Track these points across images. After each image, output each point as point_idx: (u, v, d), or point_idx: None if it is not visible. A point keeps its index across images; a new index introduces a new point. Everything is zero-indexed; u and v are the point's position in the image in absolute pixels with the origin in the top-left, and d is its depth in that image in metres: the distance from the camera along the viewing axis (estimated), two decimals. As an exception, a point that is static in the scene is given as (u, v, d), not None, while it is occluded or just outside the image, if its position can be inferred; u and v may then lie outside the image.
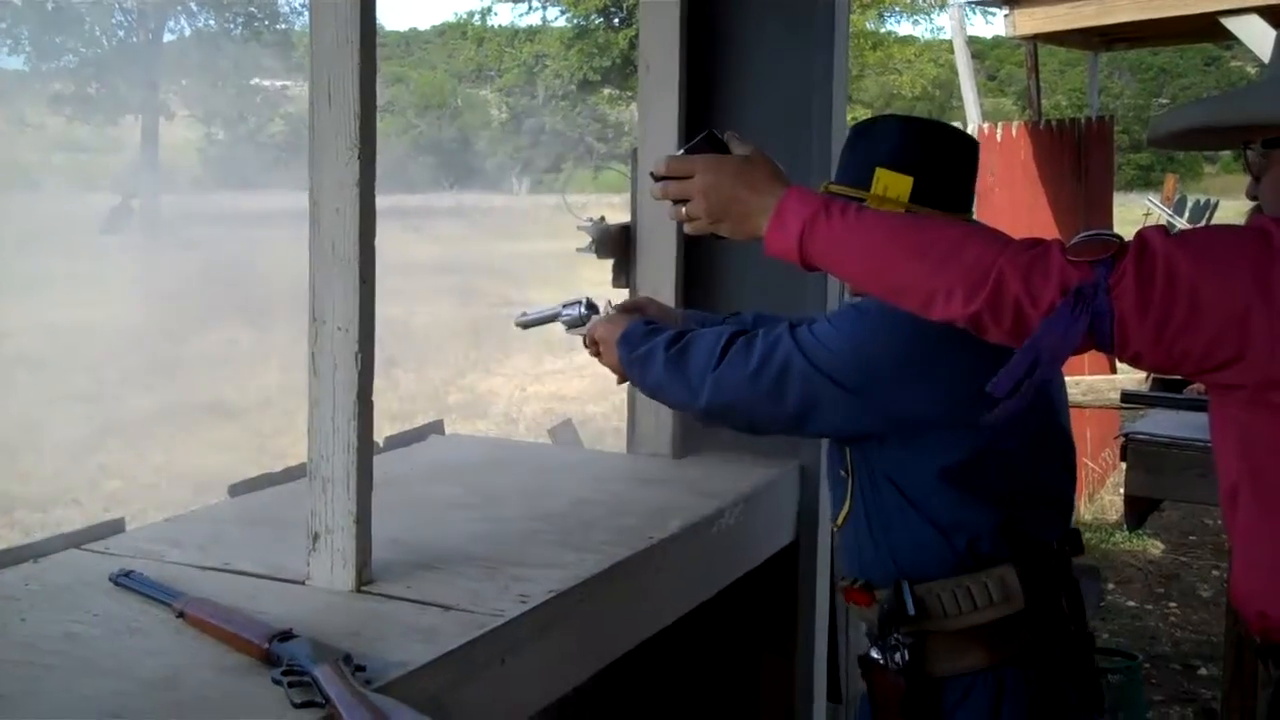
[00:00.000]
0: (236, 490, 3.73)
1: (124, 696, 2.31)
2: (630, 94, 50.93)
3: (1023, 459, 2.56)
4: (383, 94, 57.15)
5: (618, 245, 4.07)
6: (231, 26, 40.15)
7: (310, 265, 2.90)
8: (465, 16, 51.85)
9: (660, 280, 4.05)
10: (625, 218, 4.16)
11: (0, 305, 16.87)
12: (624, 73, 50.47)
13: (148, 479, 10.04)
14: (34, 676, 2.39)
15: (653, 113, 4.09)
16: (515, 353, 16.06)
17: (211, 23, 38.20)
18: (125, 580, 2.80)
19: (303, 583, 2.93)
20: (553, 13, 50.57)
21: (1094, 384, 7.85)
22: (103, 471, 10.37)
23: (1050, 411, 2.66)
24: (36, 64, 36.88)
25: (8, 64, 37.54)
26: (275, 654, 2.33)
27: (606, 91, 51.99)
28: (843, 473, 2.70)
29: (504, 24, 53.12)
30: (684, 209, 2.26)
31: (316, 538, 2.93)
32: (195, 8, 37.83)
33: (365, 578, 2.89)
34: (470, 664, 2.59)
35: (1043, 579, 2.56)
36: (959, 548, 2.53)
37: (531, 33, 50.88)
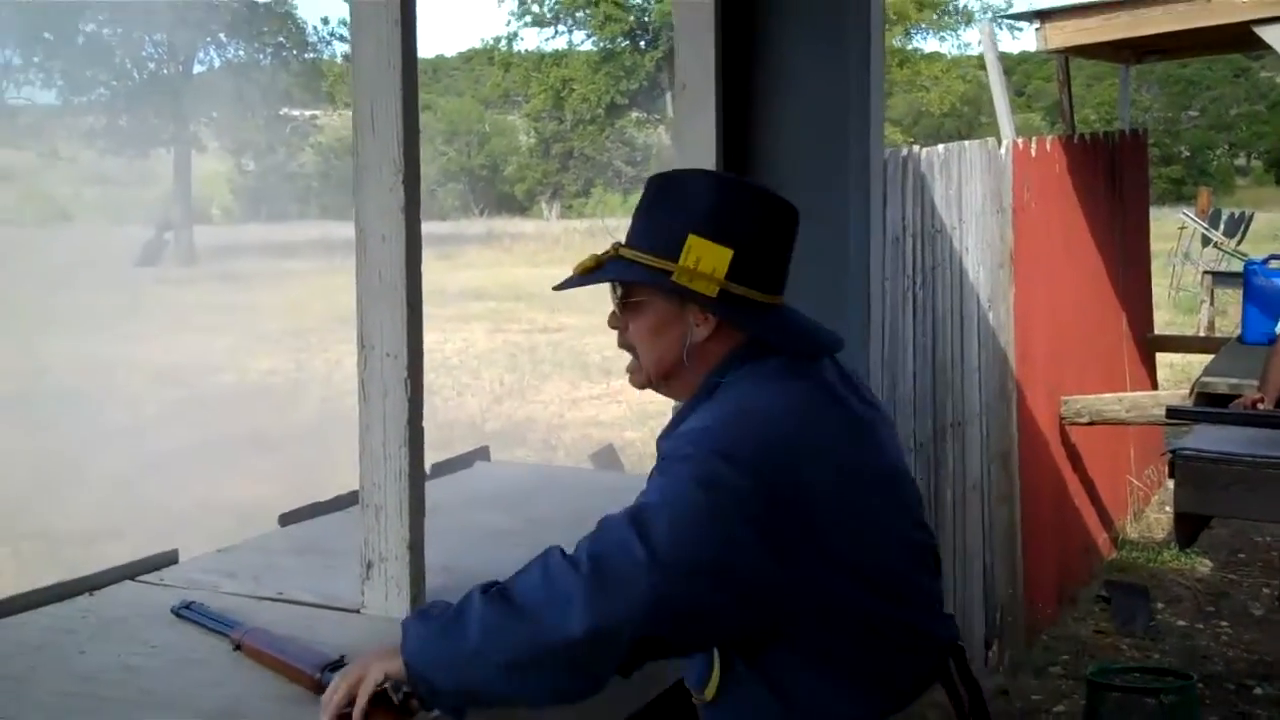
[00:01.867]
0: (287, 520, 3.74)
1: (185, 727, 2.32)
2: (658, 117, 51.04)
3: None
4: (411, 122, 57.19)
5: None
6: (260, 57, 40.44)
7: (358, 292, 2.90)
8: (491, 42, 52.13)
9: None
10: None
11: (38, 340, 17.00)
12: (651, 95, 50.62)
13: (189, 511, 10.05)
14: (94, 709, 2.39)
15: (689, 130, 4.10)
16: (551, 379, 16.08)
17: (241, 54, 38.52)
18: (186, 612, 2.81)
19: (358, 611, 2.93)
20: (579, 36, 50.80)
21: (1137, 400, 7.79)
22: (144, 505, 10.40)
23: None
24: (68, 98, 37.25)
25: (40, 98, 37.97)
26: (326, 684, 2.33)
27: (634, 115, 52.15)
28: None
29: (530, 49, 53.28)
30: None
31: (370, 566, 2.93)
32: (224, 39, 38.14)
33: (419, 605, 2.89)
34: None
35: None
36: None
37: (558, 57, 51.10)
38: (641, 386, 2.28)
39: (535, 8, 49.07)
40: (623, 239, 2.22)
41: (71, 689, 2.48)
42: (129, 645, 2.71)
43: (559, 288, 2.23)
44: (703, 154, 4.02)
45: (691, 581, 1.90)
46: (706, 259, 2.06)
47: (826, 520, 2.00)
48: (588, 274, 2.16)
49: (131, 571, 3.25)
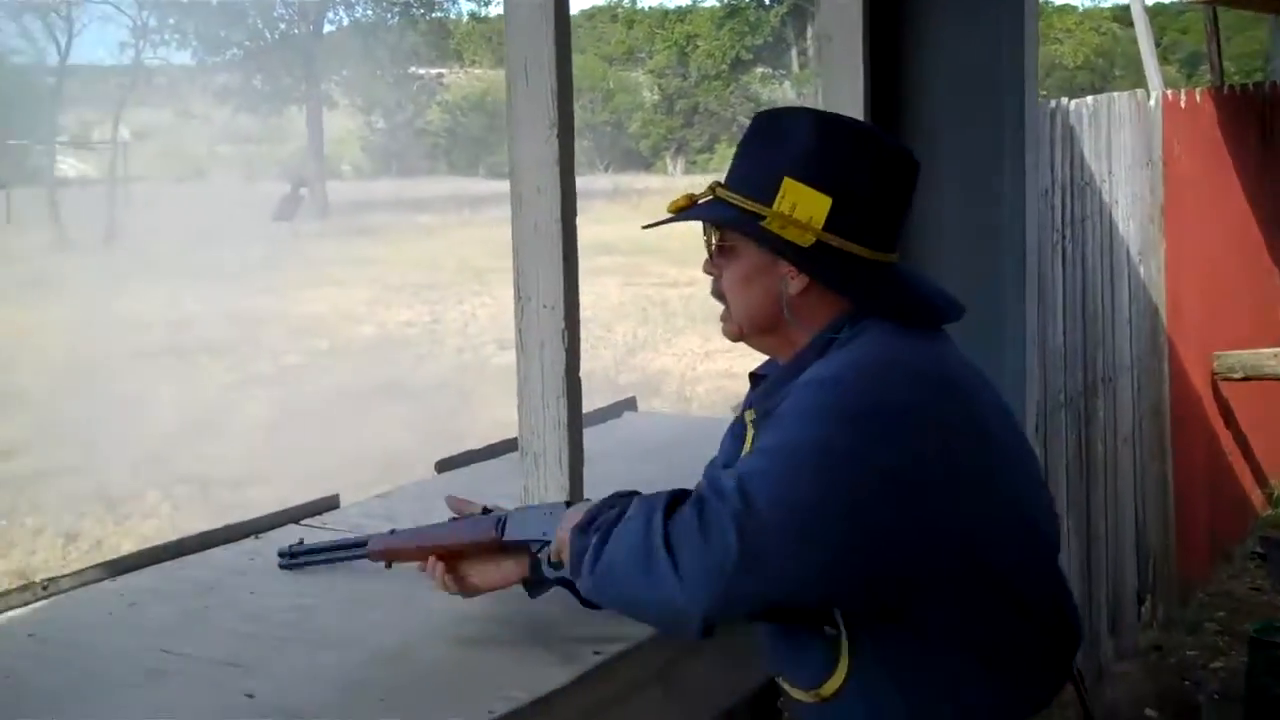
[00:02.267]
0: (443, 466, 3.81)
1: (357, 668, 2.38)
2: (783, 72, 50.60)
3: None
4: (536, 79, 57.40)
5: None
6: (389, 16, 40.82)
7: (514, 244, 2.94)
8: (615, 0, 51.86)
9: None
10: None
11: (184, 292, 17.46)
12: (776, 50, 50.17)
13: (332, 459, 10.27)
14: (269, 647, 2.46)
15: (836, 85, 4.05)
16: (684, 333, 16.11)
17: (369, 13, 38.97)
18: (295, 561, 2.82)
19: (517, 556, 2.98)
20: (705, -9, 50.42)
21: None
22: (289, 452, 10.66)
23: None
24: (203, 58, 38.00)
25: (176, 59, 38.75)
26: (507, 536, 2.31)
27: (759, 70, 51.73)
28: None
29: (654, 6, 53.08)
30: None
31: (531, 511, 2.97)
32: (353, -1, 38.66)
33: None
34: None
35: None
36: None
37: (682, 13, 50.83)
38: (734, 338, 2.06)
39: (659, -37, 48.65)
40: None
41: (247, 629, 2.56)
42: (298, 586, 2.79)
43: (649, 226, 2.10)
44: (850, 107, 3.98)
45: (814, 549, 1.73)
46: (803, 205, 1.85)
47: (970, 489, 1.82)
48: (680, 212, 1.99)
49: (295, 515, 3.34)
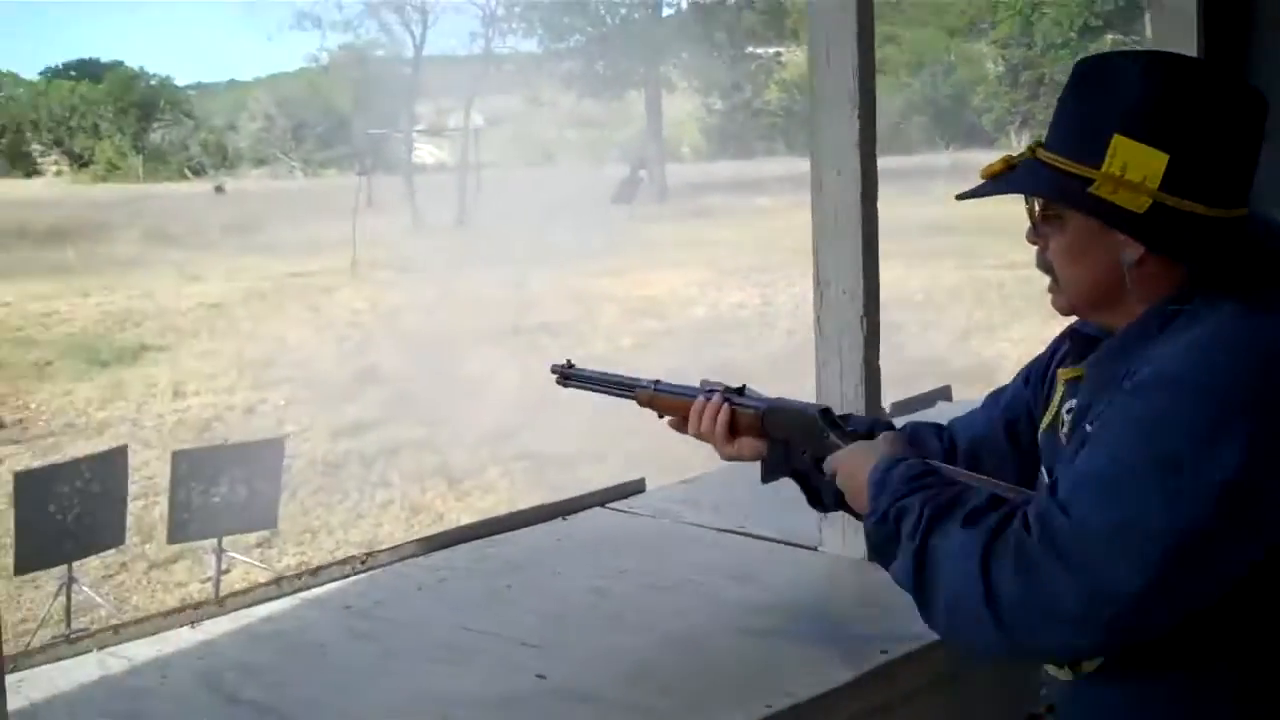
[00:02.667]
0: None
1: (650, 651, 2.42)
2: (1136, 39, 48.37)
3: None
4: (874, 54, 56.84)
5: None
6: (731, -2, 41.22)
7: (813, 228, 2.91)
8: (959, -31, 50.70)
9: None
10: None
11: (527, 274, 18.09)
12: (1128, 15, 47.98)
13: (666, 438, 10.41)
14: (567, 628, 2.53)
15: (1168, 48, 3.84)
16: (1023, 316, 15.65)
17: (709, -5, 39.36)
18: (564, 381, 2.47)
19: (815, 549, 2.96)
20: (1052, -43, 48.69)
21: None
22: (624, 431, 10.90)
23: None
24: (549, 45, 39.19)
25: (523, 46, 40.13)
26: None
27: (1109, 37, 49.56)
28: None
29: (997, -27, 51.61)
30: None
31: (827, 503, 2.95)
32: (693, -19, 39.10)
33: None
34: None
35: None
36: None
37: (1028, -20, 49.20)
38: (1065, 313, 1.86)
39: (1005, -72, 47.31)
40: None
41: (546, 608, 2.64)
42: (599, 569, 2.85)
43: (961, 197, 1.87)
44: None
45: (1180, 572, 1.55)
46: (1135, 164, 1.64)
47: None
48: (995, 179, 1.78)
49: (603, 498, 3.42)
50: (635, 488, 3.52)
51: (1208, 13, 3.78)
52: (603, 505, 3.37)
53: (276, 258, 21.56)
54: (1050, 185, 1.71)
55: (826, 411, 2.07)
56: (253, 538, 7.98)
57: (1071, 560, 1.53)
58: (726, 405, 2.14)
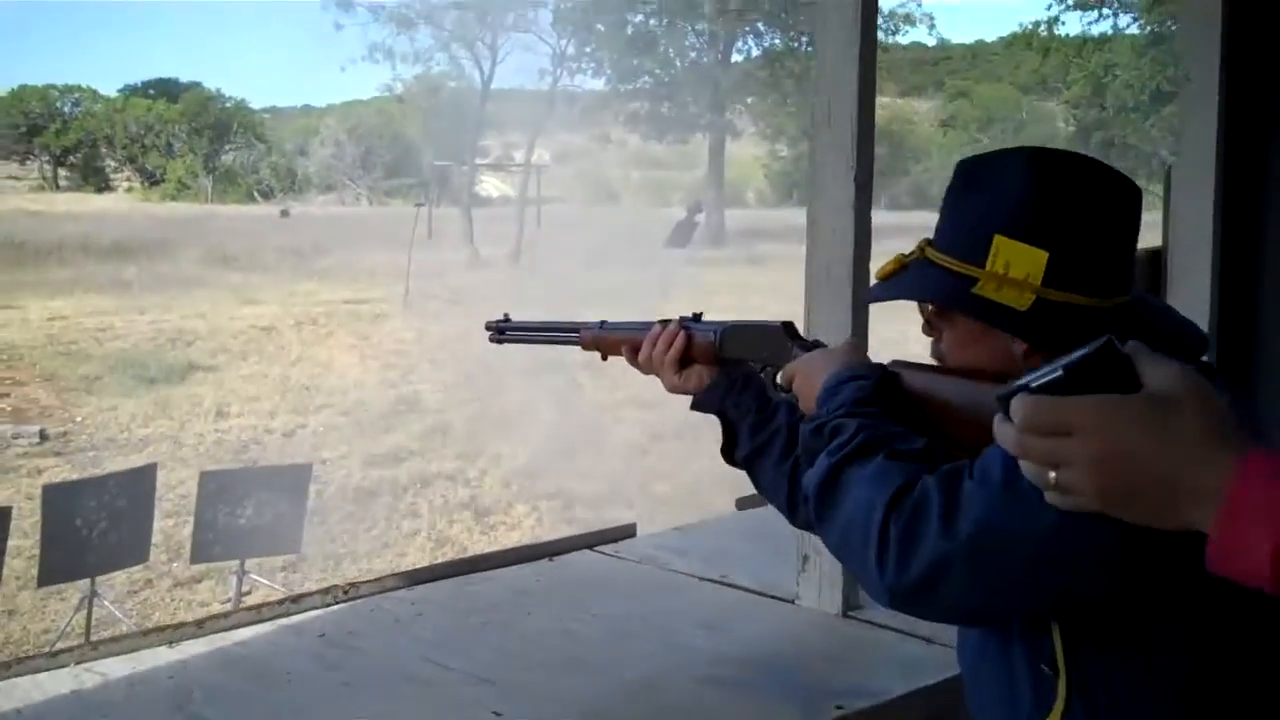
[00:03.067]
0: (743, 504, 3.85)
1: (605, 696, 2.45)
2: (1209, 104, 48.04)
3: None
4: (945, 109, 56.97)
5: (1144, 273, 3.87)
6: (796, 45, 41.31)
7: (806, 283, 2.95)
8: (1031, 27, 50.57)
9: (1194, 313, 3.80)
10: (1156, 240, 3.94)
11: (575, 313, 18.12)
12: (1202, 81, 47.69)
13: (693, 482, 10.52)
14: (527, 668, 2.57)
15: (1190, 128, 3.86)
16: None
17: (777, 42, 39.44)
18: (504, 336, 2.42)
19: (792, 602, 2.98)
20: (1124, 20, 48.53)
21: None
22: (653, 474, 10.98)
23: None
24: (616, 85, 39.43)
25: (590, 85, 40.46)
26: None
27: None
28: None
29: (1072, 34, 51.43)
30: (1055, 476, 1.20)
31: (806, 559, 2.97)
32: (763, 28, 39.16)
33: (852, 603, 2.90)
34: (951, 699, 2.53)
35: None
36: None
37: (1101, 42, 49.03)
38: None
39: (1079, -10, 47.25)
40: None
41: (511, 647, 2.68)
42: (573, 612, 2.88)
43: (866, 301, 1.97)
44: (1202, 153, 3.78)
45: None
46: (1018, 262, 1.69)
47: None
48: (887, 281, 1.82)
49: (591, 541, 3.45)
50: (626, 532, 3.55)
51: (1230, 91, 3.81)
52: (591, 548, 3.41)
53: (332, 283, 21.82)
54: (938, 288, 1.75)
55: (789, 324, 2.06)
56: (278, 561, 8.08)
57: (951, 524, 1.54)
58: (683, 331, 2.10)
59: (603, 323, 2.20)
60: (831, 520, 1.68)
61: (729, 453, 2.07)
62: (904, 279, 1.81)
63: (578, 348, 2.26)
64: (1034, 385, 1.15)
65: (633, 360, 2.14)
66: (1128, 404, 1.15)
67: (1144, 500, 1.17)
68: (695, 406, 2.11)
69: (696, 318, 2.10)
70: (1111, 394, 1.14)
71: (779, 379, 1.97)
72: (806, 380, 1.89)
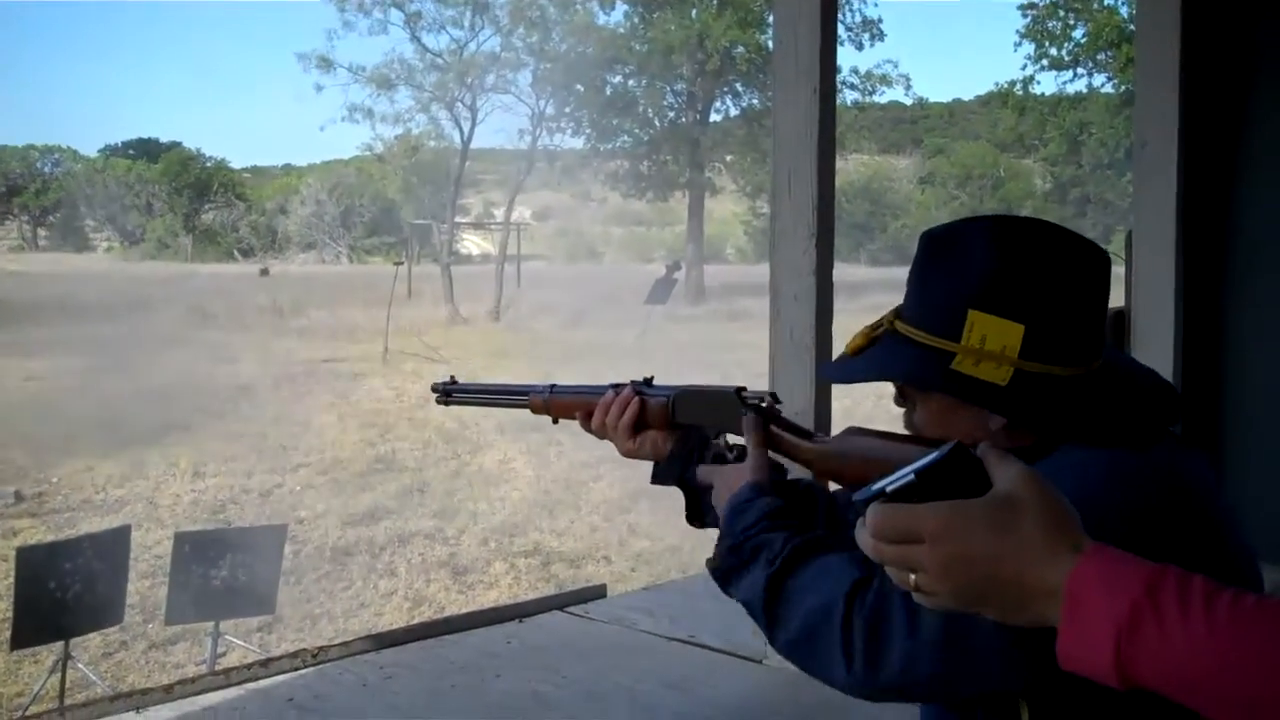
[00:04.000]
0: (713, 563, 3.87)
1: (572, 760, 2.47)
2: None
3: None
4: (923, 166, 57.40)
5: (1109, 333, 3.92)
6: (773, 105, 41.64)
7: (770, 349, 3.00)
8: (1007, 86, 51.07)
9: (1158, 371, 3.85)
10: (1119, 300, 4.00)
11: (554, 371, 18.22)
12: (1176, 138, 48.14)
13: (672, 541, 10.52)
14: (496, 732, 2.59)
15: (1148, 192, 3.92)
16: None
17: (755, 102, 39.74)
18: (450, 399, 2.31)
19: (760, 662, 3.00)
20: (1099, 79, 49.06)
21: None
22: (632, 531, 10.97)
23: None
24: (595, 144, 39.68)
25: (570, 144, 40.73)
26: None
27: (1156, 158, 49.77)
28: None
29: (1048, 92, 51.94)
30: (914, 579, 1.26)
31: (772, 617, 2.99)
32: (740, 88, 39.47)
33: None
34: (914, 758, 2.56)
35: None
36: None
37: (1076, 100, 49.55)
38: None
39: (1053, 51, 47.79)
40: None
41: (480, 710, 2.69)
42: (541, 674, 2.91)
43: (831, 380, 1.90)
44: (1161, 216, 3.85)
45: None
46: (994, 336, 1.67)
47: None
48: (858, 357, 1.79)
49: (561, 602, 3.48)
50: (596, 593, 3.58)
51: (1188, 156, 3.88)
52: (561, 610, 3.43)
53: (311, 342, 21.80)
54: (913, 365, 1.74)
55: (741, 389, 2.01)
56: (254, 622, 8.04)
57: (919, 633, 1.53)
58: (637, 397, 2.07)
59: (553, 386, 2.18)
60: (783, 630, 1.65)
61: (693, 518, 2.04)
62: (877, 355, 1.79)
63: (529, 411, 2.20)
64: (889, 490, 1.19)
65: (586, 425, 2.12)
66: (971, 509, 1.18)
67: (996, 600, 1.20)
68: (656, 480, 2.09)
69: (648, 382, 2.09)
70: (958, 499, 1.18)
71: (698, 476, 1.95)
72: (719, 497, 1.86)
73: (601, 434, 2.10)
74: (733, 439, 2.00)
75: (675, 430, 2.05)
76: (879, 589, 1.57)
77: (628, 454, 2.09)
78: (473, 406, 2.36)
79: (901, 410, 1.87)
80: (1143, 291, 3.88)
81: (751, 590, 1.69)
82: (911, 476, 1.19)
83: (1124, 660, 1.12)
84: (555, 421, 2.19)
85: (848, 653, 1.56)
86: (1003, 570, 1.18)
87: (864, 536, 1.22)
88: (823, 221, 2.92)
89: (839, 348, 2.87)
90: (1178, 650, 1.10)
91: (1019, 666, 1.54)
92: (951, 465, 1.21)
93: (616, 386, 2.09)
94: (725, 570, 1.74)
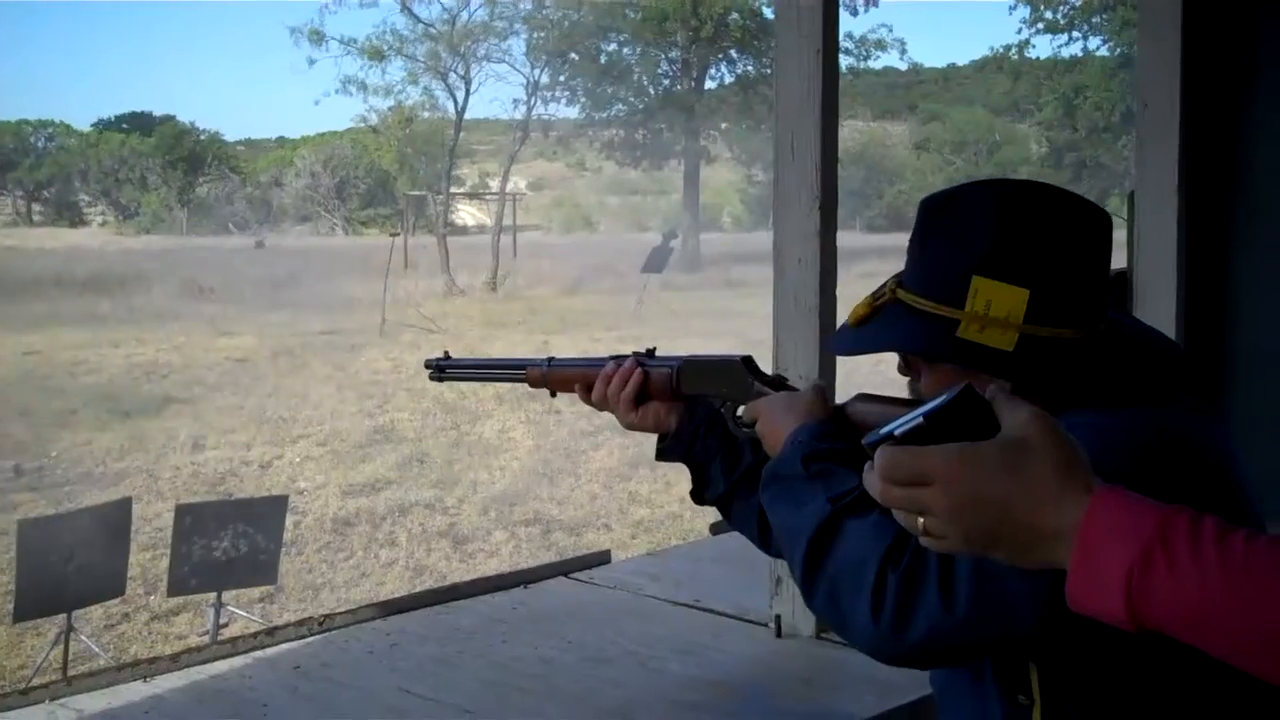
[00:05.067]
0: (718, 529, 3.88)
1: (580, 723, 2.47)
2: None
3: None
4: (919, 132, 57.25)
5: (1112, 295, 3.91)
6: (769, 71, 41.50)
7: (774, 314, 2.98)
8: (1002, 50, 50.89)
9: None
10: (1121, 262, 3.99)
11: (551, 340, 18.21)
12: (1172, 101, 48.01)
13: (672, 508, 10.55)
14: (504, 697, 2.59)
15: (1151, 152, 3.90)
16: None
17: (750, 68, 39.64)
18: (444, 375, 2.29)
19: (767, 625, 3.00)
20: (1094, 42, 48.91)
21: None
22: (632, 499, 10.99)
23: None
24: (591, 113, 39.64)
25: (565, 113, 40.67)
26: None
27: (1152, 122, 49.64)
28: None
29: (1043, 56, 51.84)
30: (923, 522, 1.25)
31: (779, 582, 2.99)
32: (735, 55, 39.36)
33: (824, 624, 2.93)
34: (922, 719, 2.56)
35: None
36: None
37: (1071, 64, 49.41)
38: None
39: (1048, 14, 47.61)
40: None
41: (489, 676, 2.69)
42: (548, 639, 2.90)
43: (837, 352, 1.86)
44: (1164, 177, 3.83)
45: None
46: (999, 302, 1.66)
47: None
48: (862, 327, 1.77)
49: (566, 568, 3.48)
50: (601, 559, 3.58)
51: (1188, 117, 3.86)
52: (566, 575, 3.43)
53: (308, 314, 21.78)
54: (918, 334, 1.73)
55: (749, 359, 2.03)
56: (256, 592, 8.06)
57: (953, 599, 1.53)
58: (639, 368, 2.07)
59: (550, 359, 2.18)
60: (820, 567, 1.66)
61: (698, 495, 2.06)
62: (881, 325, 1.78)
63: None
64: (898, 433, 1.19)
65: (586, 398, 2.12)
66: (981, 451, 1.18)
67: (1006, 542, 1.20)
68: (661, 456, 2.10)
69: (650, 353, 2.09)
70: (967, 441, 1.18)
71: (741, 414, 1.96)
72: (770, 423, 1.87)
73: (602, 406, 2.09)
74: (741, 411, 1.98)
75: (678, 402, 2.04)
76: (914, 550, 1.55)
77: (630, 426, 2.10)
78: (468, 382, 2.38)
79: (906, 378, 1.86)
80: (1145, 253, 3.86)
81: (802, 510, 1.69)
82: (920, 419, 1.18)
83: (1135, 601, 1.13)
84: (554, 395, 2.19)
85: (876, 607, 1.56)
86: (1013, 512, 1.18)
87: (872, 479, 1.22)
88: (826, 185, 2.90)
89: (843, 314, 2.86)
90: (1189, 590, 1.10)
91: (1048, 638, 1.53)
92: (960, 408, 1.20)
93: (617, 358, 2.09)
94: (785, 475, 1.74)
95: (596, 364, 2.12)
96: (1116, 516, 1.15)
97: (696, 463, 2.03)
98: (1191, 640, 1.15)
